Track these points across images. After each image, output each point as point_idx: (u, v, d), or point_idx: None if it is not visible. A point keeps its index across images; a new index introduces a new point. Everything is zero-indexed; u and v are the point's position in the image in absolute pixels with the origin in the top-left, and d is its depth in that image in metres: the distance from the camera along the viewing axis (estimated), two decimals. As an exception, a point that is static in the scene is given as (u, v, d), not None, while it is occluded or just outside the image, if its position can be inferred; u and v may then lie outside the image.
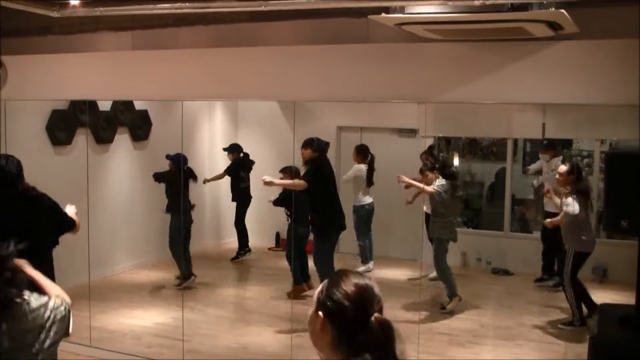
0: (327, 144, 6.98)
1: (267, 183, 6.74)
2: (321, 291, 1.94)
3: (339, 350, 1.86)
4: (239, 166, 8.77)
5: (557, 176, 6.56)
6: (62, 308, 2.53)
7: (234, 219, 8.83)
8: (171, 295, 7.69)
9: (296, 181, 6.70)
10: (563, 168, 6.52)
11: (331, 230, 6.85)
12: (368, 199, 8.01)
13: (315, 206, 6.86)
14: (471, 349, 6.15)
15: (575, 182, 6.37)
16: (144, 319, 6.94)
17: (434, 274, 7.23)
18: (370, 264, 8.09)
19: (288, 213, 7.48)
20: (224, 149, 8.77)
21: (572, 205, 6.19)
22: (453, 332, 6.66)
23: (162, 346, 6.24)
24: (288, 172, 7.37)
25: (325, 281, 1.95)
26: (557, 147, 7.82)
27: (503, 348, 6.14)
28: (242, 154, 8.81)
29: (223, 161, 8.90)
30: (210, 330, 6.74)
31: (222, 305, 7.83)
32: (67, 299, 2.63)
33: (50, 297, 2.55)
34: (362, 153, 8.06)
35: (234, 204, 8.82)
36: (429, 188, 6.85)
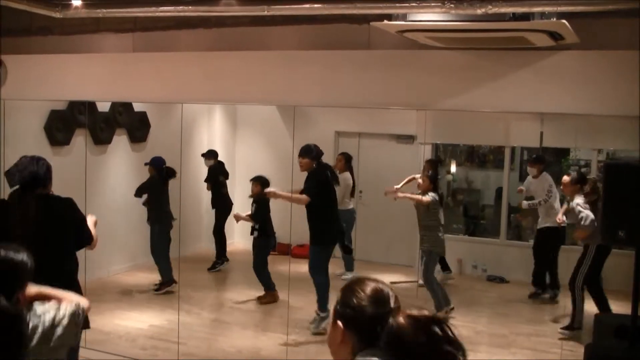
0: (321, 151, 6.70)
1: (270, 194, 6.62)
2: (337, 303, 1.90)
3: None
4: (218, 172, 8.73)
5: (562, 187, 6.55)
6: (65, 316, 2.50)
7: (212, 227, 8.75)
8: (167, 298, 7.67)
9: (301, 196, 6.39)
10: (566, 178, 6.47)
11: (329, 240, 6.66)
12: (352, 205, 8.13)
13: (313, 217, 6.50)
14: (466, 356, 6.14)
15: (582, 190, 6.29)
16: (140, 321, 6.93)
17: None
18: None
19: (256, 227, 7.53)
20: (202, 155, 8.74)
21: (585, 219, 6.13)
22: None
23: (157, 348, 6.23)
24: (259, 181, 7.43)
25: (340, 292, 1.91)
26: (546, 160, 7.66)
27: (498, 356, 6.14)
28: (218, 161, 8.78)
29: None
30: (206, 333, 6.73)
31: (217, 308, 7.83)
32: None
33: (59, 304, 2.53)
34: (349, 162, 8.13)
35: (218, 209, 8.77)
36: (426, 198, 6.78)
